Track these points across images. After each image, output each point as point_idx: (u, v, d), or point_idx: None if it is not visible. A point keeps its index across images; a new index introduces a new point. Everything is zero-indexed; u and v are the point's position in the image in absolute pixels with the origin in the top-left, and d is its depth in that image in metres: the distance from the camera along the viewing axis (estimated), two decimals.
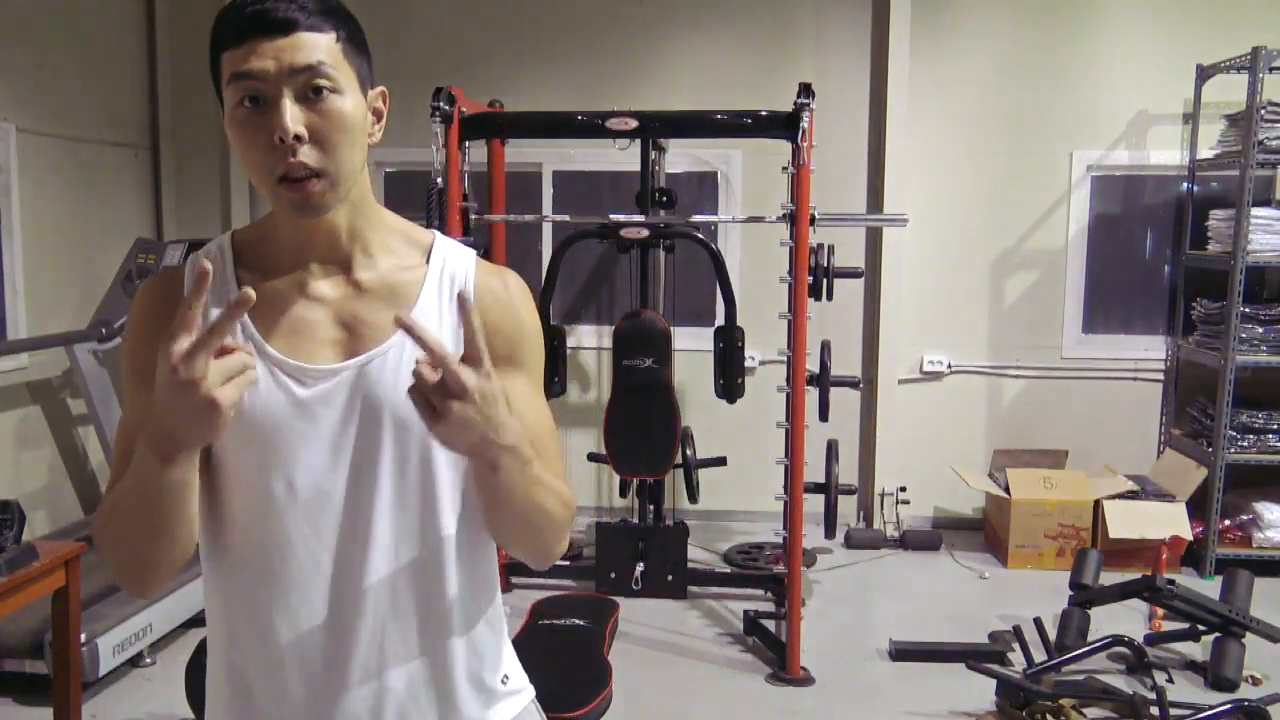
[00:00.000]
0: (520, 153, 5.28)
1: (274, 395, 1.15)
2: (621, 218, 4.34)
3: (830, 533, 4.53)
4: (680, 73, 5.48)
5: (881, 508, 5.42)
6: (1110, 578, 4.16)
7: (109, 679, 3.60)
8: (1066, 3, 5.28)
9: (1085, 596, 4.00)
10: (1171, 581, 3.71)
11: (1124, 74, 5.27)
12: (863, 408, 5.55)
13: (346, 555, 1.17)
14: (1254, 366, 4.86)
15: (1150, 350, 5.41)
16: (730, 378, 4.36)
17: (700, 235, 4.39)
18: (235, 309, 1.00)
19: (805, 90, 3.80)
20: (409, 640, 1.21)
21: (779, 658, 3.83)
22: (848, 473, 5.09)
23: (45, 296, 4.74)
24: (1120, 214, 5.48)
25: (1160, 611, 4.10)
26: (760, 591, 4.53)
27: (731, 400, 4.42)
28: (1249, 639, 3.74)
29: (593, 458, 4.95)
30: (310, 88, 1.09)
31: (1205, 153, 5.16)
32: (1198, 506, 4.86)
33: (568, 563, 4.73)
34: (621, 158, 4.76)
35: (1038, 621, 3.83)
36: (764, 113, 4.04)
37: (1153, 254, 5.48)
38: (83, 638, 3.14)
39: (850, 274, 4.43)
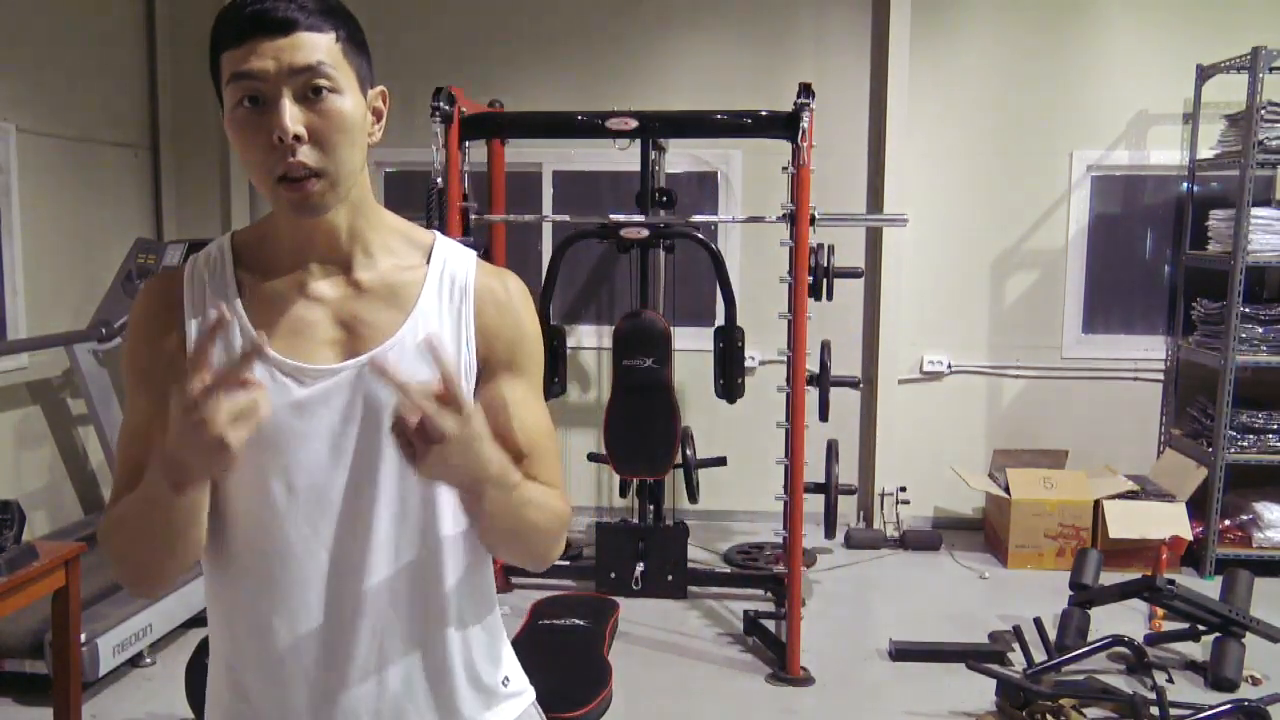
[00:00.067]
0: (520, 153, 5.28)
1: (273, 395, 1.15)
2: (621, 218, 4.34)
3: (830, 533, 4.53)
4: (680, 73, 5.48)
5: (881, 508, 5.42)
6: (1110, 578, 4.16)
7: (109, 679, 3.59)
8: (1066, 3, 5.28)
9: (1085, 596, 4.00)
10: (1171, 581, 3.71)
11: (1124, 74, 5.27)
12: (863, 408, 5.55)
13: (346, 556, 1.17)
14: (1254, 366, 4.86)
15: (1150, 350, 5.41)
16: (730, 378, 4.36)
17: (700, 235, 4.39)
18: (249, 355, 1.00)
19: (805, 90, 3.80)
20: (408, 641, 1.21)
21: (779, 658, 3.83)
22: (848, 473, 5.09)
23: (45, 296, 4.74)
24: (1120, 214, 5.48)
25: (1160, 611, 4.10)
26: (760, 591, 4.53)
27: (731, 400, 4.42)
28: (1249, 639, 3.74)
29: (593, 458, 4.95)
30: (310, 87, 1.09)
31: (1205, 153, 5.16)
32: (1198, 506, 4.86)
33: (568, 563, 4.73)
34: (621, 158, 4.76)
35: (1038, 621, 3.83)
36: (764, 113, 4.04)
37: (1153, 254, 5.48)
38: (83, 638, 3.13)
39: (850, 274, 4.43)
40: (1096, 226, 5.42)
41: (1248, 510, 4.90)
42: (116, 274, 4.78)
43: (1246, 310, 4.76)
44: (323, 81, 1.10)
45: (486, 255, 4.69)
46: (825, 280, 4.18)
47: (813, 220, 3.84)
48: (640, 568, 4.46)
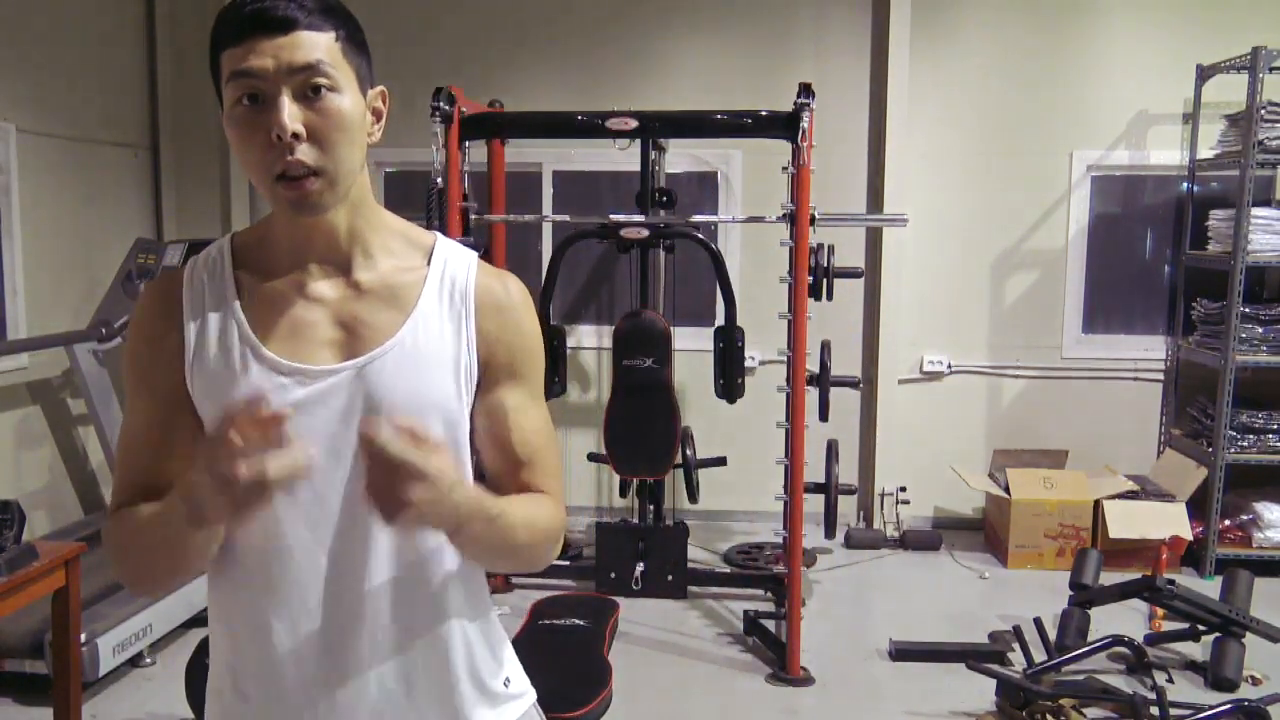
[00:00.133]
0: (520, 153, 5.28)
1: (271, 396, 1.15)
2: (621, 218, 4.34)
3: (830, 533, 4.53)
4: (680, 73, 5.48)
5: (881, 508, 5.42)
6: (1110, 578, 4.16)
7: (109, 679, 3.59)
8: (1066, 3, 5.28)
9: (1085, 596, 3.99)
10: (1171, 581, 3.71)
11: (1124, 74, 5.27)
12: (863, 408, 5.55)
13: (344, 557, 1.17)
14: (1254, 366, 4.85)
15: (1150, 350, 5.41)
16: (730, 378, 4.36)
17: (700, 235, 4.39)
18: (279, 418, 1.01)
19: (805, 90, 3.80)
20: (409, 642, 1.21)
21: (779, 658, 3.83)
22: (848, 473, 5.08)
23: (45, 296, 4.74)
24: (1120, 214, 5.48)
25: (1160, 611, 4.10)
26: (760, 591, 4.53)
27: (731, 400, 4.42)
28: (1249, 639, 3.74)
29: (593, 458, 4.95)
30: (309, 86, 1.10)
31: (1205, 153, 5.15)
32: (1198, 506, 4.86)
33: (568, 563, 4.72)
34: (621, 158, 4.76)
35: (1038, 621, 3.83)
36: (764, 113, 4.04)
37: (1153, 254, 5.48)
38: (83, 638, 3.13)
39: (850, 274, 4.43)
40: (1096, 226, 5.42)
41: (1248, 510, 4.90)
42: (116, 274, 4.78)
43: (1246, 310, 4.76)
44: (322, 80, 1.10)
45: (486, 255, 4.69)
46: (825, 280, 4.18)
47: (813, 220, 3.84)
48: (640, 568, 4.46)
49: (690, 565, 4.60)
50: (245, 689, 1.21)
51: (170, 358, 1.18)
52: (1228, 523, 4.87)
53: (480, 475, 1.28)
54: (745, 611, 4.11)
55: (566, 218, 5.03)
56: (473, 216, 4.39)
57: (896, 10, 5.24)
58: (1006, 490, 5.01)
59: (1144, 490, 5.02)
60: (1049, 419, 5.45)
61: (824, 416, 4.41)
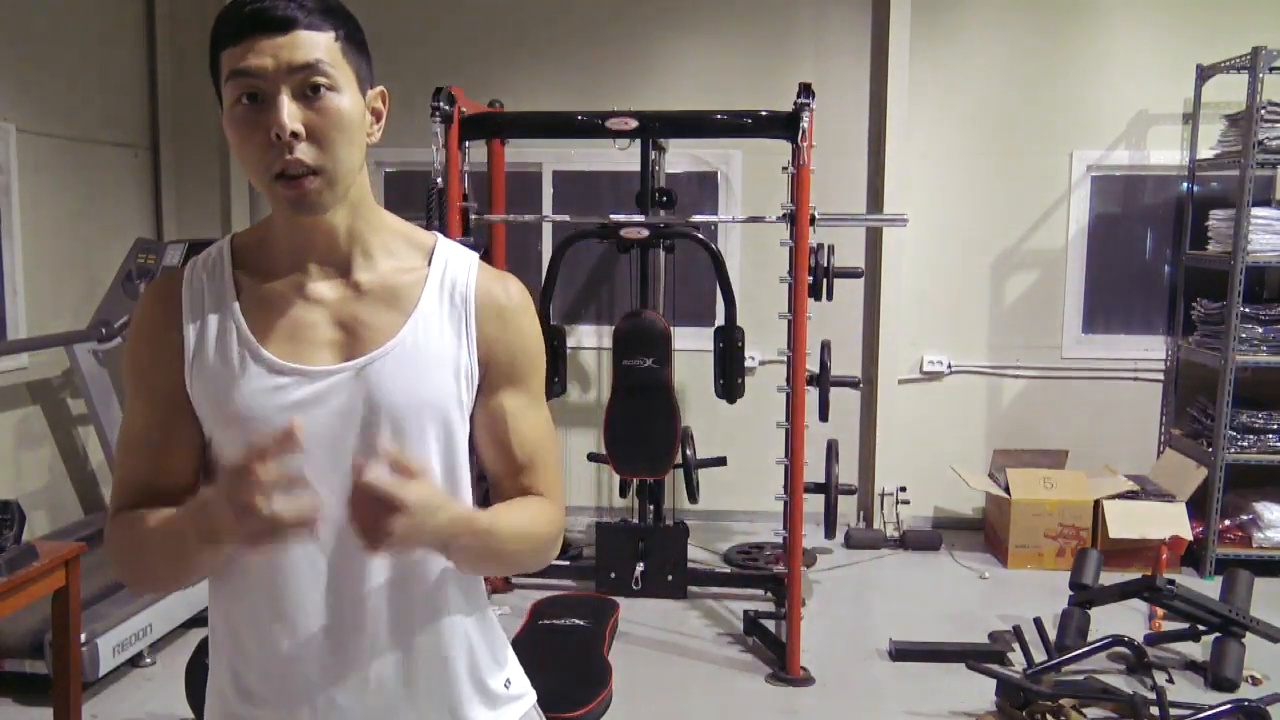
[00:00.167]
0: (520, 153, 5.28)
1: (269, 397, 1.15)
2: (621, 218, 4.34)
3: (830, 533, 4.53)
4: (680, 73, 5.48)
5: (881, 508, 5.42)
6: (1110, 578, 4.16)
7: (109, 679, 3.59)
8: (1067, 3, 5.28)
9: (1085, 596, 3.99)
10: (1171, 581, 3.71)
11: (1124, 74, 5.27)
12: (863, 408, 5.55)
13: (344, 559, 1.17)
14: (1254, 366, 4.85)
15: (1150, 350, 5.41)
16: (730, 378, 4.36)
17: (700, 235, 4.39)
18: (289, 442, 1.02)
19: (805, 90, 3.80)
20: (408, 644, 1.21)
21: (779, 658, 3.83)
22: (848, 473, 5.08)
23: (45, 296, 4.74)
24: (1120, 214, 5.47)
25: (1160, 611, 4.10)
26: (760, 591, 4.53)
27: (731, 400, 4.42)
28: (1249, 639, 3.74)
29: (593, 458, 4.95)
30: (308, 85, 1.10)
31: (1205, 153, 5.15)
32: (1198, 506, 4.86)
33: (568, 563, 4.73)
34: (621, 158, 4.76)
35: (1038, 621, 3.83)
36: (764, 113, 4.04)
37: (1153, 254, 5.48)
38: (83, 638, 3.13)
39: (850, 274, 4.43)
40: (1096, 226, 5.42)
41: (1248, 510, 4.90)
42: (116, 274, 4.78)
43: (1246, 310, 4.76)
44: (321, 79, 1.10)
45: (486, 255, 4.69)
46: (825, 280, 4.18)
47: (813, 220, 3.84)
48: (640, 568, 4.46)
49: (690, 565, 4.60)
50: (245, 689, 1.21)
51: (170, 359, 1.18)
52: (1228, 523, 4.87)
53: (482, 475, 1.28)
54: (745, 611, 4.11)
55: (566, 218, 5.03)
56: (473, 216, 4.39)
57: (896, 10, 5.24)
58: (1006, 490, 5.01)
59: (1144, 490, 5.02)
60: (1049, 419, 5.45)
61: (824, 416, 4.41)
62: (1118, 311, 5.48)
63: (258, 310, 1.19)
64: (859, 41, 5.39)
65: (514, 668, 1.33)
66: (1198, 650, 3.92)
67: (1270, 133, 4.66)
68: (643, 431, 4.37)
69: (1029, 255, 5.44)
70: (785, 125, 3.83)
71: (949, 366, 5.51)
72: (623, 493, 5.31)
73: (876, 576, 4.93)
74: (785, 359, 3.87)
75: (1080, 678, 3.55)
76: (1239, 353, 4.75)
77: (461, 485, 1.23)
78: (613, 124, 4.02)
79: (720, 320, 4.57)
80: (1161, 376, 5.40)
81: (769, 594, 4.44)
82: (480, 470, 1.28)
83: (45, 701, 3.14)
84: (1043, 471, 5.06)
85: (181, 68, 5.59)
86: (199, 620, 3.90)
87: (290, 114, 1.08)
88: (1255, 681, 3.68)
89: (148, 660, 3.74)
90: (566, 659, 3.67)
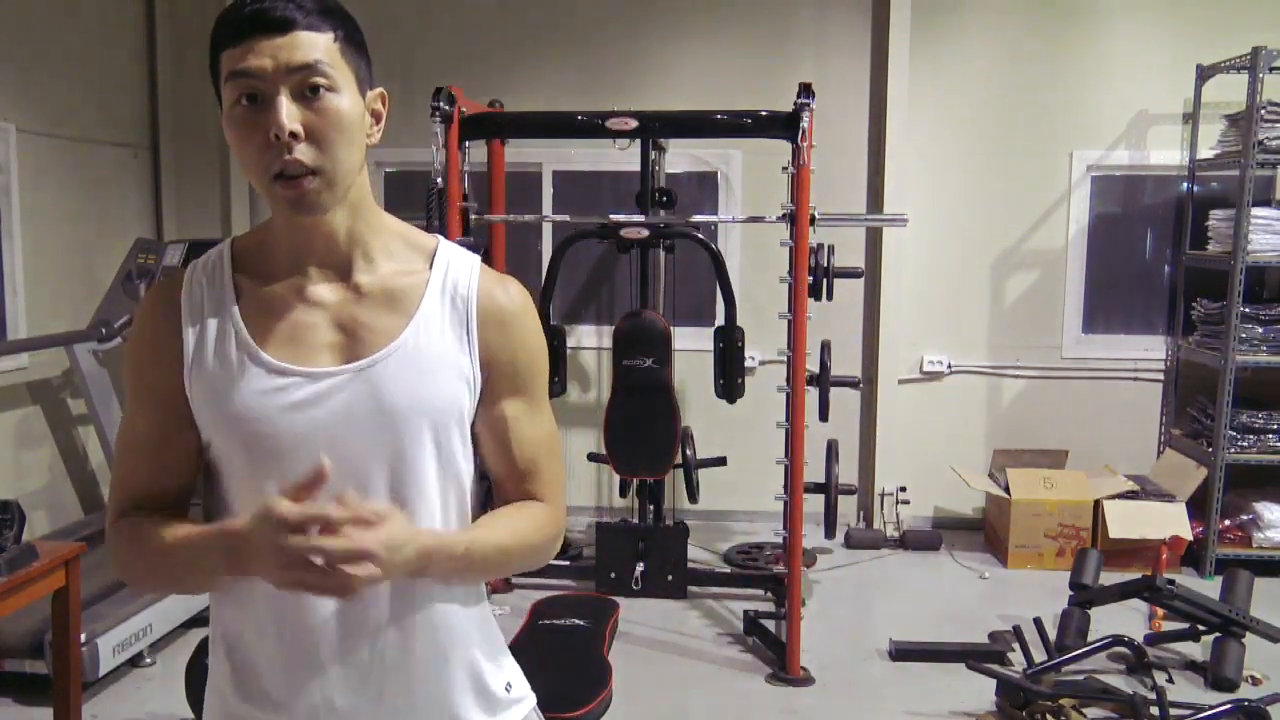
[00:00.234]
0: (520, 153, 5.28)
1: (269, 398, 1.15)
2: (621, 218, 4.34)
3: (830, 533, 4.53)
4: (680, 73, 5.48)
5: (881, 508, 5.42)
6: (1110, 578, 4.16)
7: (109, 679, 3.59)
8: (1066, 4, 5.28)
9: (1085, 596, 3.99)
10: (1171, 581, 3.71)
11: (1124, 74, 5.27)
12: (863, 408, 5.55)
13: None
14: (1254, 366, 4.85)
15: (1150, 350, 5.41)
16: (730, 378, 4.36)
17: (700, 235, 4.39)
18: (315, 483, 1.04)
19: (805, 90, 3.80)
20: (411, 648, 1.21)
21: (779, 658, 3.83)
22: (848, 473, 5.08)
23: (45, 296, 4.74)
24: (1120, 214, 5.47)
25: (1160, 611, 4.10)
26: (760, 591, 4.53)
27: (731, 400, 4.42)
28: (1249, 639, 3.74)
29: (593, 458, 4.95)
30: (307, 86, 1.10)
31: (1205, 153, 5.15)
32: (1198, 506, 4.86)
33: (567, 563, 4.73)
34: (621, 158, 4.76)
35: (1038, 621, 3.83)
36: (764, 113, 4.04)
37: (1153, 254, 5.48)
38: (83, 638, 3.13)
39: (850, 274, 4.43)
40: (1096, 226, 5.42)
41: (1248, 510, 4.90)
42: (116, 274, 4.78)
43: (1246, 310, 4.76)
44: (320, 80, 1.10)
45: (486, 255, 4.69)
46: (825, 280, 4.18)
47: (813, 220, 3.84)
48: (640, 568, 4.46)
49: (690, 565, 4.60)
50: (245, 689, 1.21)
51: (169, 363, 1.18)
52: (1228, 523, 4.87)
53: (484, 474, 1.28)
54: (745, 611, 4.11)
55: (566, 218, 5.02)
56: (473, 216, 4.39)
57: (896, 11, 5.24)
58: (1006, 490, 5.01)
59: (1144, 490, 5.02)
60: (1049, 419, 5.45)
61: (824, 416, 4.41)
62: (1118, 311, 5.48)
63: (257, 313, 1.19)
64: (859, 41, 5.39)
65: (514, 671, 1.33)
66: (1198, 650, 3.92)
67: (1270, 133, 4.66)
68: (643, 431, 4.37)
69: (1029, 255, 5.44)
70: (785, 125, 3.83)
71: (949, 366, 5.51)
72: (623, 493, 5.31)
73: (876, 576, 4.93)
74: (785, 359, 3.87)
75: (1080, 678, 3.55)
76: (1239, 353, 4.75)
77: (461, 488, 1.24)
78: (613, 124, 4.02)
79: (720, 320, 4.57)
80: (1161, 376, 5.41)
81: (769, 594, 4.44)
82: (482, 469, 1.28)
83: (45, 701, 3.14)
84: (1043, 471, 5.06)
85: (181, 68, 5.59)
86: (199, 620, 3.90)
87: (289, 114, 1.08)
88: (1255, 681, 3.68)
89: (148, 660, 3.74)
90: (566, 659, 3.67)
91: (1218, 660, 3.68)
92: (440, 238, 1.28)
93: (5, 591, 2.62)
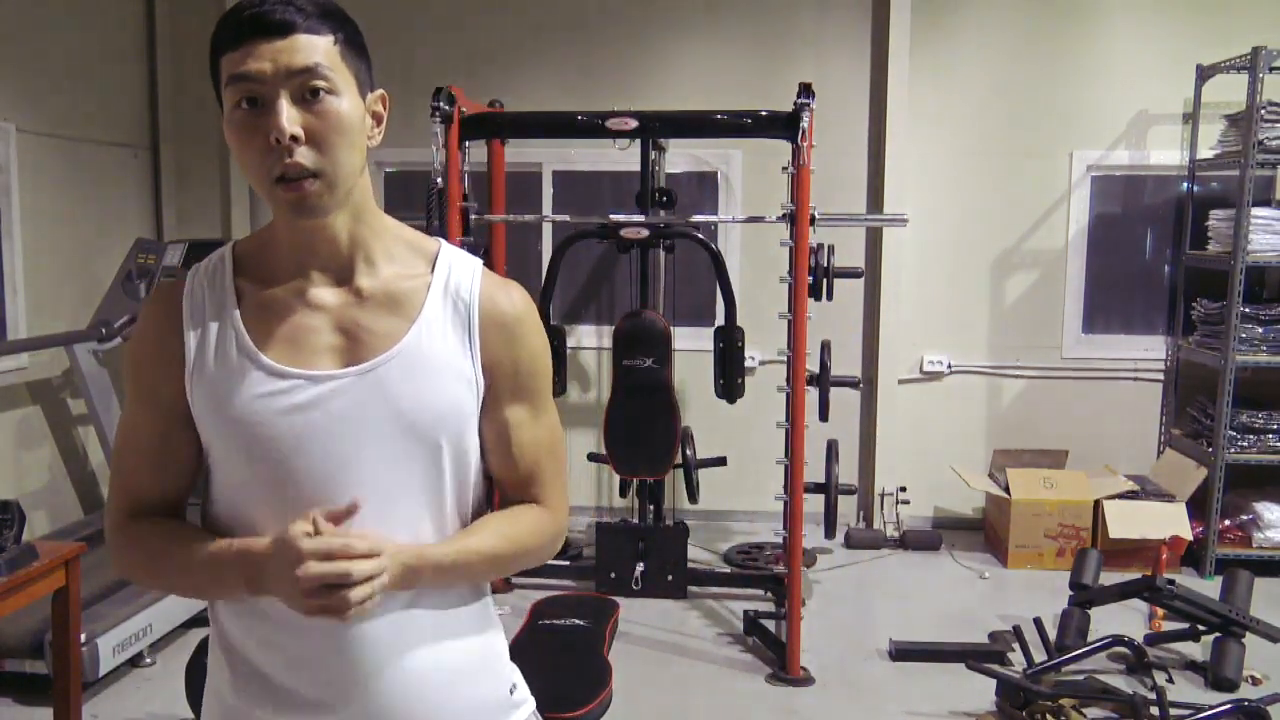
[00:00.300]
0: (520, 153, 5.28)
1: (269, 401, 1.15)
2: (621, 218, 4.34)
3: (830, 533, 4.53)
4: (680, 73, 5.48)
5: (881, 508, 5.42)
6: (1110, 578, 4.16)
7: (109, 679, 3.59)
8: (1066, 3, 5.28)
9: (1085, 596, 3.99)
10: (1171, 581, 3.71)
11: (1124, 74, 5.27)
12: (863, 408, 5.55)
13: None
14: (1254, 366, 4.85)
15: (1150, 350, 5.41)
16: (730, 378, 4.36)
17: (700, 235, 4.38)
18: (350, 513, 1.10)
19: (805, 90, 3.80)
20: (412, 650, 1.20)
21: (779, 658, 3.83)
22: (848, 473, 5.09)
23: (45, 296, 4.74)
24: (1120, 214, 5.47)
25: (1160, 611, 4.10)
26: (760, 591, 4.53)
27: (731, 400, 4.42)
28: (1249, 639, 3.74)
29: (593, 458, 4.95)
30: (308, 89, 1.10)
31: (1205, 153, 5.15)
32: (1198, 506, 4.86)
33: (567, 563, 4.73)
34: (621, 158, 4.76)
35: (1038, 621, 3.83)
36: (764, 113, 4.04)
37: (1153, 254, 5.48)
38: (83, 638, 3.13)
39: (850, 274, 4.43)
40: (1096, 226, 5.42)
41: (1248, 510, 4.90)
42: (116, 274, 4.78)
43: (1246, 310, 4.76)
44: (320, 83, 1.10)
45: (486, 255, 4.70)
46: (825, 280, 4.18)
47: (813, 220, 3.84)
48: (640, 568, 4.46)
49: (690, 565, 4.61)
50: (244, 690, 1.21)
51: (170, 367, 1.18)
52: (1228, 523, 4.87)
53: (488, 473, 1.28)
54: (745, 611, 4.12)
55: (566, 218, 5.02)
56: (473, 216, 4.38)
57: (896, 10, 5.24)
58: (1006, 490, 5.01)
59: (1144, 490, 5.02)
60: (1049, 419, 5.45)
61: (824, 416, 4.41)
62: (1118, 311, 5.48)
63: (258, 317, 1.19)
64: (859, 41, 5.39)
65: (516, 674, 1.34)
66: (1198, 650, 3.92)
67: (1270, 133, 4.66)
68: (643, 431, 4.37)
69: (1029, 255, 5.44)
70: (785, 125, 3.83)
71: (949, 366, 5.51)
72: (623, 493, 5.31)
73: (876, 576, 4.93)
74: (785, 359, 3.87)
75: (1080, 678, 3.55)
76: (1239, 353, 4.75)
77: (463, 490, 1.24)
78: (613, 124, 4.02)
79: (720, 320, 4.57)
80: (1161, 376, 5.40)
81: (769, 594, 4.44)
82: (485, 469, 1.29)
83: (45, 701, 3.14)
84: (1043, 471, 5.06)
85: (181, 68, 5.59)
86: (199, 620, 3.90)
87: (289, 118, 1.08)
88: (1255, 681, 3.68)
89: (148, 660, 3.74)
90: (566, 659, 3.66)
91: (1218, 660, 3.68)
92: (442, 241, 1.28)
93: (5, 591, 2.62)
